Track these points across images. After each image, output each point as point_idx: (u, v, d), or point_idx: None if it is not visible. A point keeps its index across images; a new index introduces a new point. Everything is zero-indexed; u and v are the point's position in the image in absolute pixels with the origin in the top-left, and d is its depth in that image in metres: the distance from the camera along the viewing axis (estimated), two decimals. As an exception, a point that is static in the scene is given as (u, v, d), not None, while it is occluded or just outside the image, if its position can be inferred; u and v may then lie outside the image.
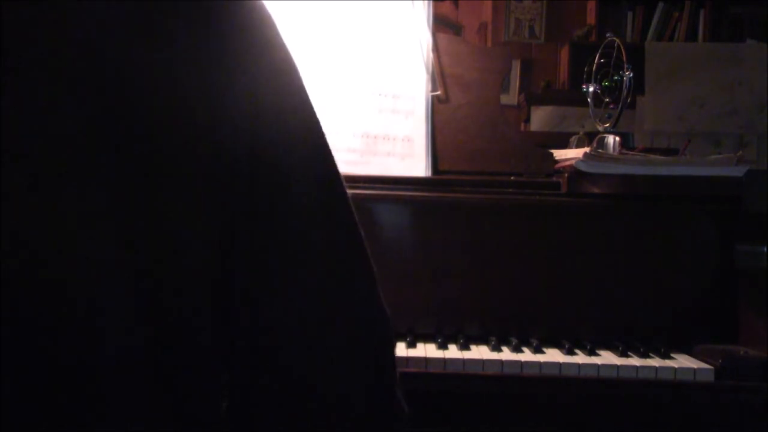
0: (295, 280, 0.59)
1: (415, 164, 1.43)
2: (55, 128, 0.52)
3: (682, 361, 1.19)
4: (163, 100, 0.55)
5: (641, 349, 1.22)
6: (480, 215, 1.32)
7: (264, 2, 0.62)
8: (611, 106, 1.47)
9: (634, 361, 1.19)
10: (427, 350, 1.20)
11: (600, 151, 1.37)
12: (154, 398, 0.55)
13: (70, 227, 0.52)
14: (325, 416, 0.60)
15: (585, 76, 1.53)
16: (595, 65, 1.51)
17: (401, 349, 1.20)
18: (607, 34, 1.54)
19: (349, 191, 0.60)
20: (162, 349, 0.55)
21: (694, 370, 1.16)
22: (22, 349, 0.51)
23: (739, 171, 1.26)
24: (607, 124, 1.46)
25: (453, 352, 1.20)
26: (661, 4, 4.01)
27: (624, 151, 1.44)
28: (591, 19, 4.11)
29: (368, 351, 0.62)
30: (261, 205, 0.58)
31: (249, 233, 0.58)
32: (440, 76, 1.48)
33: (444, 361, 1.16)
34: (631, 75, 1.44)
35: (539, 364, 1.16)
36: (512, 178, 1.40)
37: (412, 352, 1.19)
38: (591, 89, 1.51)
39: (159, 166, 0.55)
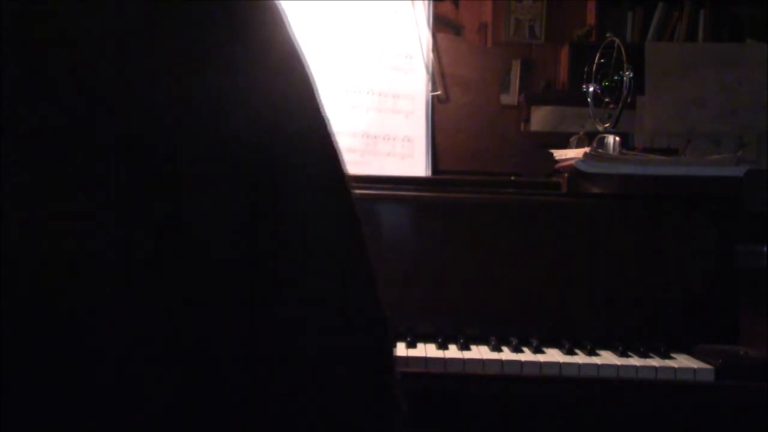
0: (302, 283, 0.61)
1: (415, 164, 1.43)
2: (67, 129, 0.52)
3: (682, 361, 1.19)
4: (176, 100, 0.55)
5: (641, 349, 1.22)
6: (480, 215, 1.32)
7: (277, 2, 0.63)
8: (611, 106, 1.47)
9: (634, 361, 1.18)
10: (427, 350, 1.20)
11: (600, 151, 1.37)
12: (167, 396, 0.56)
13: (83, 230, 0.52)
14: (323, 411, 0.61)
15: (585, 76, 1.53)
16: (595, 65, 1.51)
17: (401, 349, 1.19)
18: (607, 34, 1.54)
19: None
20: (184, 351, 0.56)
21: (694, 370, 1.16)
22: (28, 348, 0.51)
23: (739, 171, 1.26)
24: (607, 124, 1.46)
25: (453, 352, 1.20)
26: (661, 4, 4.00)
27: (624, 151, 1.44)
28: (591, 19, 4.11)
29: (367, 350, 0.63)
30: (273, 206, 0.59)
31: (263, 234, 0.59)
32: (440, 76, 1.48)
33: (444, 361, 1.16)
34: (631, 75, 1.43)
35: (539, 364, 1.16)
36: (512, 178, 1.40)
37: (412, 352, 1.19)
38: (591, 89, 1.51)
39: (179, 169, 0.55)
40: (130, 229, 0.54)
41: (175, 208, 0.55)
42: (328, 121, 0.63)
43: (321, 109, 0.63)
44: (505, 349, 1.22)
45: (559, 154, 1.44)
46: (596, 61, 1.51)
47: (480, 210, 1.32)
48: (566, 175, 1.33)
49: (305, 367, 0.60)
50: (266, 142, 0.58)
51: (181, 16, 0.57)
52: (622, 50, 1.46)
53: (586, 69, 1.53)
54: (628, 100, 1.43)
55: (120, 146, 0.53)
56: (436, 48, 1.49)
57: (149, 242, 0.54)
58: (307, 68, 0.63)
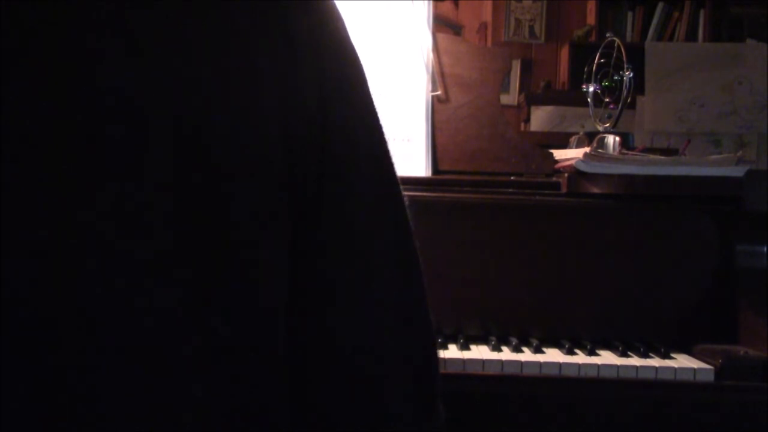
0: (358, 285, 0.60)
1: (415, 164, 1.43)
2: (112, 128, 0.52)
3: (682, 361, 1.19)
4: (228, 99, 0.55)
5: (641, 349, 1.22)
6: (480, 215, 1.32)
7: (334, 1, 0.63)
8: (611, 106, 1.47)
9: (634, 361, 1.18)
10: (427, 350, 1.20)
11: (600, 151, 1.37)
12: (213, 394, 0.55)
13: (129, 232, 0.52)
14: (370, 412, 0.61)
15: (585, 76, 1.53)
16: (595, 65, 1.51)
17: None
18: (607, 34, 1.54)
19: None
20: (231, 348, 0.55)
21: (694, 370, 1.16)
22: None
23: (739, 171, 1.26)
24: (607, 124, 1.46)
25: (453, 352, 1.20)
26: (661, 4, 4.01)
27: (624, 151, 1.44)
28: (591, 19, 4.11)
29: (416, 353, 0.65)
30: (328, 207, 0.59)
31: (316, 235, 0.59)
32: (440, 76, 1.48)
33: (444, 361, 1.16)
34: (631, 75, 1.44)
35: (539, 364, 1.16)
36: (512, 178, 1.40)
37: (412, 352, 1.19)
38: (591, 89, 1.51)
39: (230, 169, 0.54)
40: (174, 219, 0.53)
41: (220, 196, 0.54)
42: (383, 123, 0.63)
43: (376, 110, 0.63)
44: (505, 349, 1.22)
45: (559, 154, 1.44)
46: (596, 61, 1.51)
47: (480, 210, 1.32)
48: (566, 175, 1.33)
49: (357, 369, 0.60)
50: (316, 138, 0.58)
51: (233, 9, 0.56)
52: (622, 50, 1.46)
53: (586, 69, 1.53)
54: (628, 100, 1.43)
55: (170, 132, 0.53)
56: (436, 48, 1.49)
57: (191, 234, 0.54)
58: (363, 67, 0.63)
